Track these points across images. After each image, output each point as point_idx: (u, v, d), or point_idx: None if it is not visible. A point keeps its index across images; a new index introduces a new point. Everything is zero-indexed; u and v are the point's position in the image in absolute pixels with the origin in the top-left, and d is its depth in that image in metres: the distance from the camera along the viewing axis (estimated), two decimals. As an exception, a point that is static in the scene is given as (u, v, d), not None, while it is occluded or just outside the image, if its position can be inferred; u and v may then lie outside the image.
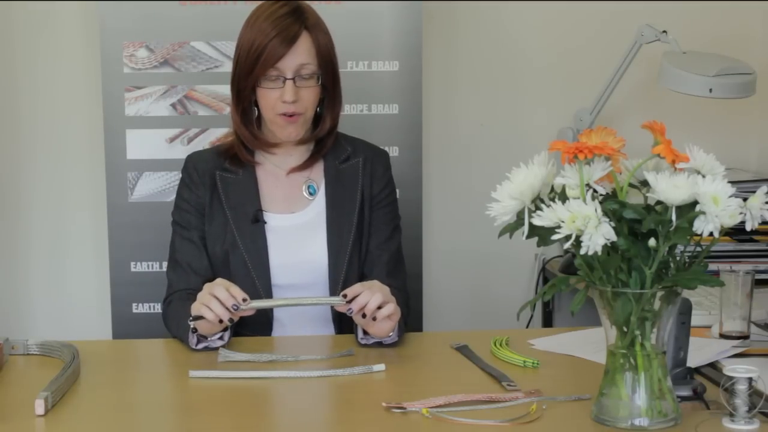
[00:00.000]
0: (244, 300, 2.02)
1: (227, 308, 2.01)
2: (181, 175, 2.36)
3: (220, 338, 2.11)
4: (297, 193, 2.33)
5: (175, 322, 2.19)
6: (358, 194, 2.32)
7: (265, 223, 2.29)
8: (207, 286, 2.07)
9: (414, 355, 2.11)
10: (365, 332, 2.11)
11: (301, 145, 2.33)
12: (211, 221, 2.30)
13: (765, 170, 3.28)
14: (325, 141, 2.34)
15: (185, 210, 2.32)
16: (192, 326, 2.06)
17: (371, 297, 2.03)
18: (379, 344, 2.11)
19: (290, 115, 2.24)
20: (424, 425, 1.69)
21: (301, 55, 2.22)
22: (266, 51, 2.20)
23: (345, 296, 2.05)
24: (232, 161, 2.32)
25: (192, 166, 2.34)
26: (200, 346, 2.10)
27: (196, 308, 2.04)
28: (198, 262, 2.28)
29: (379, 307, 2.04)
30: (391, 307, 2.05)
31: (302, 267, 2.27)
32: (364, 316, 2.04)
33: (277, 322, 2.29)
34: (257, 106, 2.30)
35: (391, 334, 2.10)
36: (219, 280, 2.08)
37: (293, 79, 2.22)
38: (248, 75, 2.23)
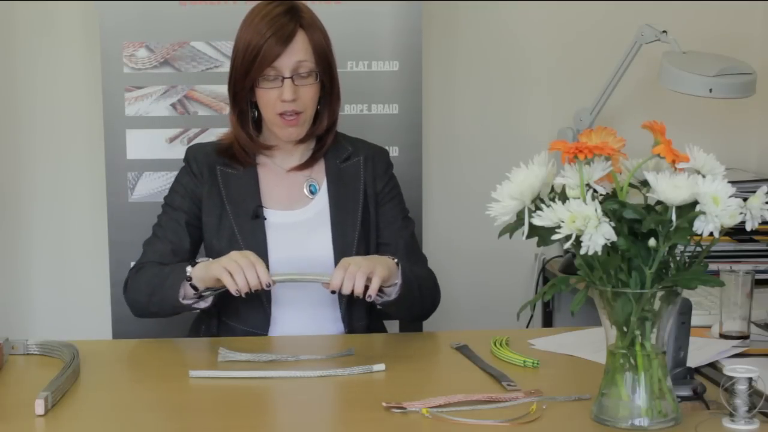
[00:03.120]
0: (268, 286, 2.07)
1: (251, 288, 2.06)
2: (183, 164, 2.39)
3: (204, 300, 2.16)
4: (298, 191, 2.34)
5: (155, 281, 2.22)
6: (361, 192, 2.34)
7: (265, 219, 2.29)
8: (237, 256, 2.08)
9: (414, 355, 2.11)
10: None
11: (300, 144, 2.34)
12: (209, 212, 2.32)
13: (765, 170, 3.28)
14: (325, 139, 2.35)
15: (179, 193, 2.35)
16: (187, 275, 2.12)
17: (353, 282, 2.05)
18: (395, 306, 2.18)
19: (290, 116, 2.25)
20: (424, 425, 1.69)
21: (297, 53, 2.23)
22: (262, 51, 2.21)
23: (334, 292, 2.10)
24: (232, 159, 2.34)
25: (192, 157, 2.38)
26: (186, 302, 2.15)
27: (217, 272, 2.07)
28: (179, 243, 2.31)
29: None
30: (376, 282, 2.06)
31: (303, 264, 2.27)
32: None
33: (274, 321, 2.29)
34: (256, 108, 2.30)
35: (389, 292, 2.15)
36: (249, 254, 2.10)
37: (291, 77, 2.23)
38: (245, 76, 2.24)
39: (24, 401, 1.78)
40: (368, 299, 2.08)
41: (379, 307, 2.17)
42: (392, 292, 2.15)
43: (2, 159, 3.19)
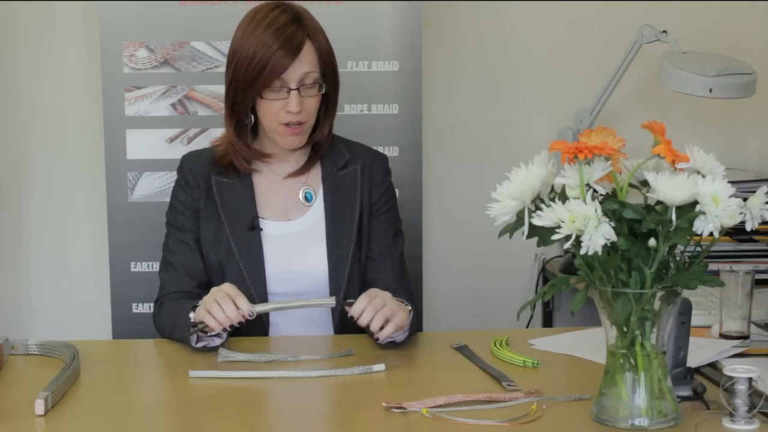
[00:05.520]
0: (251, 315, 2.03)
1: (231, 320, 2.03)
2: (177, 176, 2.35)
3: (218, 335, 2.11)
4: (294, 199, 2.31)
5: (171, 321, 2.19)
6: (357, 203, 2.30)
7: (261, 230, 2.27)
8: (214, 292, 2.06)
9: (414, 355, 2.11)
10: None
11: (297, 150, 2.30)
12: (206, 226, 2.28)
13: (765, 170, 3.28)
14: (322, 144, 2.31)
15: (180, 212, 2.30)
16: (192, 321, 2.07)
17: (373, 315, 2.03)
18: (393, 343, 2.11)
19: (294, 126, 2.21)
20: (424, 425, 1.69)
21: (305, 64, 2.18)
22: (270, 63, 2.15)
23: (348, 302, 2.07)
24: (227, 168, 2.29)
25: (188, 167, 2.33)
26: (200, 344, 2.10)
27: (200, 314, 2.05)
28: (192, 265, 2.27)
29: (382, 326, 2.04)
30: (391, 328, 2.04)
31: (299, 276, 2.26)
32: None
33: (273, 326, 2.28)
34: (253, 113, 2.25)
35: (397, 335, 2.09)
36: (227, 287, 2.07)
37: (297, 89, 2.18)
38: (249, 87, 2.18)
39: (24, 401, 1.78)
40: (376, 341, 2.07)
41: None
42: (397, 337, 2.11)
43: (2, 159, 3.19)
